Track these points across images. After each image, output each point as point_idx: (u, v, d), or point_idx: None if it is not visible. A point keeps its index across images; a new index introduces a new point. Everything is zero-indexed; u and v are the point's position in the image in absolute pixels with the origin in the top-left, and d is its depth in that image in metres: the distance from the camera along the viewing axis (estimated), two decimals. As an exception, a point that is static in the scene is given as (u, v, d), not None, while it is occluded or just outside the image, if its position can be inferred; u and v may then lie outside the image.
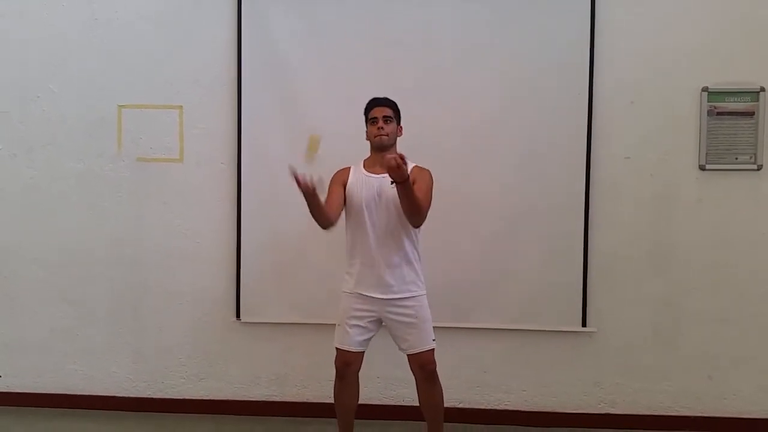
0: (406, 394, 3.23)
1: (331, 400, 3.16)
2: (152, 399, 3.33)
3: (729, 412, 3.12)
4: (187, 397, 3.32)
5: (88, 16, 3.25)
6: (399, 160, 2.23)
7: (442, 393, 2.64)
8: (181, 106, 3.23)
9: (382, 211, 2.53)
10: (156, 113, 3.23)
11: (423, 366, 2.58)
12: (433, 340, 2.58)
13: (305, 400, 3.28)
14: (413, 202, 2.40)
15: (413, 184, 2.46)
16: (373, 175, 2.57)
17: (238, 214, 3.21)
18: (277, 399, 3.30)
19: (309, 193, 2.34)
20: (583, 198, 3.08)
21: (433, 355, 2.59)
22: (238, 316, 3.25)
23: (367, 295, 2.56)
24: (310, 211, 2.45)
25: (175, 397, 3.32)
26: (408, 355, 2.60)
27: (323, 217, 2.48)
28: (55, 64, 3.27)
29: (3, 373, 3.39)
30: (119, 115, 3.26)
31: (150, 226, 3.28)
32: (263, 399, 3.30)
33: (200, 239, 3.27)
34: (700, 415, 3.13)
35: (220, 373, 3.31)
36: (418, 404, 3.17)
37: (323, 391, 3.24)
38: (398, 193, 2.36)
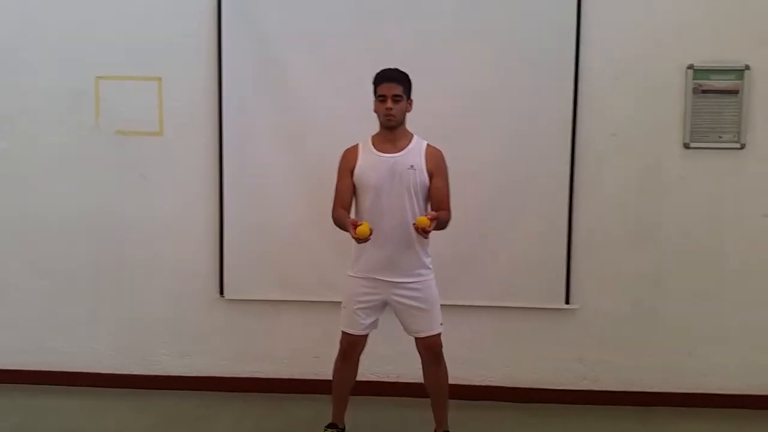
0: (391, 370, 3.24)
1: (317, 377, 3.19)
2: (135, 375, 3.31)
3: (710, 388, 3.16)
4: (170, 374, 3.30)
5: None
6: (426, 229, 2.34)
7: (447, 373, 2.63)
8: (159, 78, 3.16)
9: (395, 193, 2.48)
10: (134, 85, 3.17)
11: (430, 348, 2.56)
12: (441, 324, 2.56)
13: (290, 377, 3.28)
14: (443, 226, 2.49)
15: (431, 177, 2.51)
16: (384, 154, 2.51)
17: (220, 189, 3.17)
18: (262, 375, 3.29)
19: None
20: (568, 174, 3.08)
21: (440, 338, 2.57)
22: (221, 293, 3.23)
23: (375, 278, 2.52)
24: (339, 226, 2.52)
25: (158, 374, 3.30)
26: (415, 337, 2.58)
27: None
28: (31, 34, 3.19)
29: (-18, 350, 3.35)
30: (96, 86, 3.19)
31: (129, 200, 3.23)
32: (247, 375, 3.29)
33: (182, 214, 3.23)
34: (681, 391, 3.17)
35: (204, 349, 3.30)
36: (399, 380, 3.22)
37: (308, 368, 3.24)
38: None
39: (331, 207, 2.58)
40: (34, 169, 3.24)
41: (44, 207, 3.25)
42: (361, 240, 2.35)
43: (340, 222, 2.51)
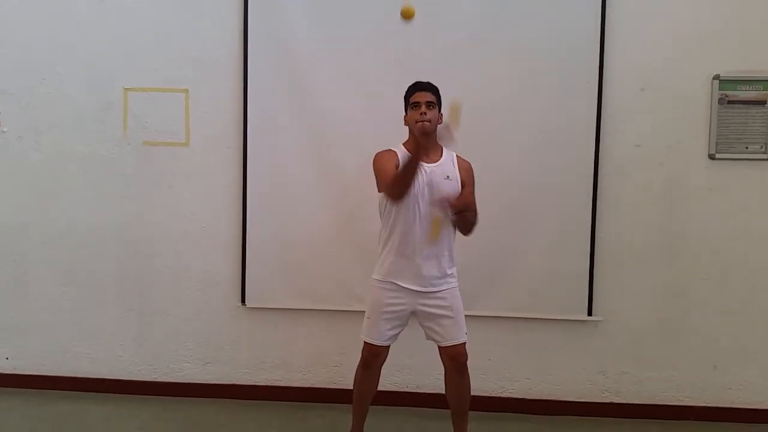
0: (411, 380, 3.24)
1: (336, 386, 3.20)
2: (157, 382, 3.34)
3: (734, 402, 3.12)
4: (192, 381, 3.33)
5: (94, -3, 3.23)
6: (466, 204, 2.36)
7: (470, 385, 2.61)
8: (187, 90, 3.21)
9: (429, 202, 2.47)
10: (162, 96, 3.22)
11: (455, 358, 2.54)
12: (465, 333, 2.55)
13: (310, 386, 3.29)
14: (472, 223, 2.47)
15: (462, 187, 2.51)
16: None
17: (243, 199, 3.20)
18: (282, 384, 3.31)
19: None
20: (591, 186, 3.06)
21: (465, 348, 2.56)
22: (243, 301, 3.26)
23: (402, 286, 2.50)
24: (404, 178, 2.34)
25: (180, 381, 3.34)
26: (440, 346, 2.57)
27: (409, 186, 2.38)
28: (61, 47, 3.25)
29: (9, 355, 3.41)
30: (125, 98, 3.24)
31: (156, 210, 3.28)
32: (268, 384, 3.31)
33: (206, 224, 3.27)
34: (704, 404, 3.13)
35: (226, 357, 3.32)
36: (419, 390, 3.22)
37: (328, 377, 3.25)
38: (457, 219, 2.42)
39: (385, 187, 2.47)
40: (63, 179, 3.30)
41: (73, 216, 3.31)
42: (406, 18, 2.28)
43: (400, 171, 2.37)
